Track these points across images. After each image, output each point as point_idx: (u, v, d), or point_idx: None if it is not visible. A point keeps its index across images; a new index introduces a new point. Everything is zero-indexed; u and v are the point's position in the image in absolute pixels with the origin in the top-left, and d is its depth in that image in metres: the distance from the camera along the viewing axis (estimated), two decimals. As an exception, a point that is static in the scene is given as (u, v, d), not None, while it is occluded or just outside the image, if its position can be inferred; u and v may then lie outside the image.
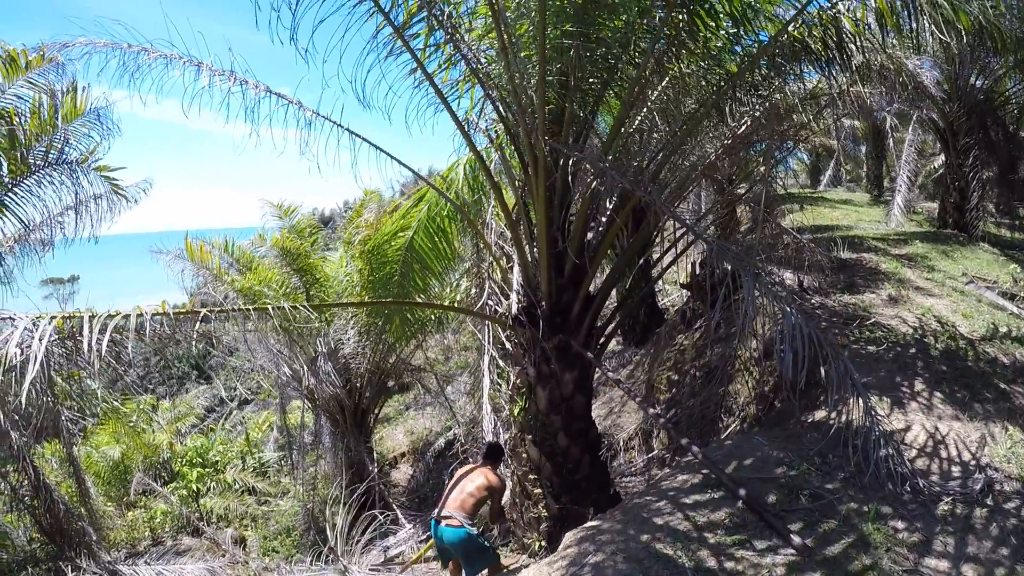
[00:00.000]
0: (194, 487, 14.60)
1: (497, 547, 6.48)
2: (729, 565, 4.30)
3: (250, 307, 5.62)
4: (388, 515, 11.39)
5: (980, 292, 10.58)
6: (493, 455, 6.21)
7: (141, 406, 18.89)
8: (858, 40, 6.37)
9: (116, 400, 14.79)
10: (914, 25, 5.76)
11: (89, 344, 4.38)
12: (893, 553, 4.34)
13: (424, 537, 10.44)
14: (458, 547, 5.69)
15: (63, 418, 9.32)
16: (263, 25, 5.21)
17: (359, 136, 6.50)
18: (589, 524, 5.23)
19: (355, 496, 13.12)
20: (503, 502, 6.26)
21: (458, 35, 6.13)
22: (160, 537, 13.11)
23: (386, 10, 5.64)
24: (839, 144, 25.16)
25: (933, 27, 6.15)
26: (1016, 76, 13.82)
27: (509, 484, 7.20)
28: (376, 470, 12.30)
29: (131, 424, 15.09)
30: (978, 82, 15.01)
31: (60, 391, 9.38)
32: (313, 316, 5.85)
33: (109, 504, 13.73)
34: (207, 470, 15.44)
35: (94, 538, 9.54)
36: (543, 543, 7.15)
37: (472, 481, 5.89)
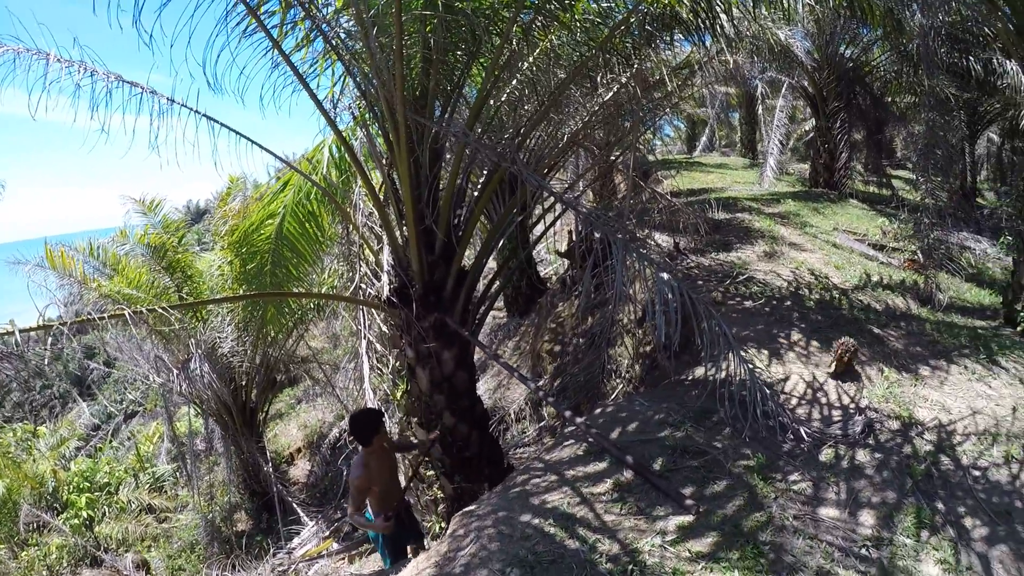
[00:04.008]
0: (86, 514, 13.69)
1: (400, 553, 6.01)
2: (620, 534, 4.25)
3: (105, 315, 5.19)
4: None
5: (851, 245, 11.16)
6: (358, 432, 5.39)
7: (19, 434, 17.63)
8: (730, 10, 6.47)
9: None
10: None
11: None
12: (784, 504, 4.42)
13: (328, 532, 10.22)
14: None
15: None
16: (100, 7, 4.76)
17: (217, 122, 6.10)
18: (469, 508, 5.11)
19: (254, 500, 12.79)
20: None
21: (315, 11, 5.81)
22: (59, 574, 12.27)
23: None
24: (713, 111, 26.03)
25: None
26: (883, 46, 14.61)
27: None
28: (272, 470, 11.89)
29: (10, 455, 13.96)
30: (847, 52, 15.86)
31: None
32: (173, 317, 5.44)
33: (1, 547, 12.72)
34: (97, 494, 14.50)
35: None
36: (443, 524, 7.06)
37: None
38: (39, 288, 10.86)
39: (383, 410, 6.66)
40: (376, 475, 5.41)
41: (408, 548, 6.03)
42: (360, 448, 5.50)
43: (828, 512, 4.37)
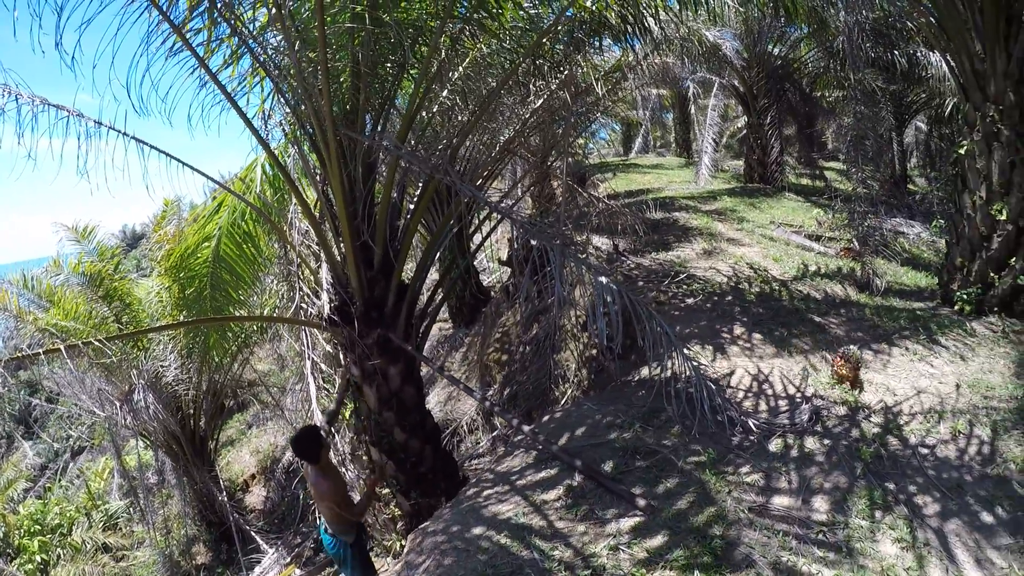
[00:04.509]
0: (39, 558, 13.15)
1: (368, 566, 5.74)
2: (573, 539, 4.26)
3: (40, 351, 5.00)
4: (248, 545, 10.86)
5: (787, 237, 11.42)
6: (303, 451, 5.13)
7: (-39, 480, 16.93)
8: (657, 14, 6.57)
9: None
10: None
11: None
12: (737, 497, 4.47)
13: (289, 559, 10.02)
14: (329, 551, 5.43)
15: None
16: (21, 30, 4.59)
17: (146, 143, 5.95)
18: (424, 525, 5.07)
19: (212, 531, 12.46)
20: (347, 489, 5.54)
21: (242, 27, 5.71)
22: (18, 624, 11.80)
23: (163, 7, 5.15)
24: (646, 113, 26.41)
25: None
26: (810, 43, 15.05)
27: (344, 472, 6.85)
28: (227, 499, 11.60)
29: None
30: (775, 50, 16.29)
31: None
32: (112, 348, 5.26)
33: None
34: (50, 536, 13.95)
35: None
36: (402, 542, 6.98)
37: (313, 490, 5.28)
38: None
39: (326, 427, 6.58)
40: (336, 482, 5.21)
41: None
42: (310, 467, 5.25)
43: (782, 501, 4.44)
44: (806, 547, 4.02)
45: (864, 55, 9.26)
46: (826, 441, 5.06)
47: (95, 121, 5.75)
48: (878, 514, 4.29)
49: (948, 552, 3.99)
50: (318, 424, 6.51)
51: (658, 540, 4.14)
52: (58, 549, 13.66)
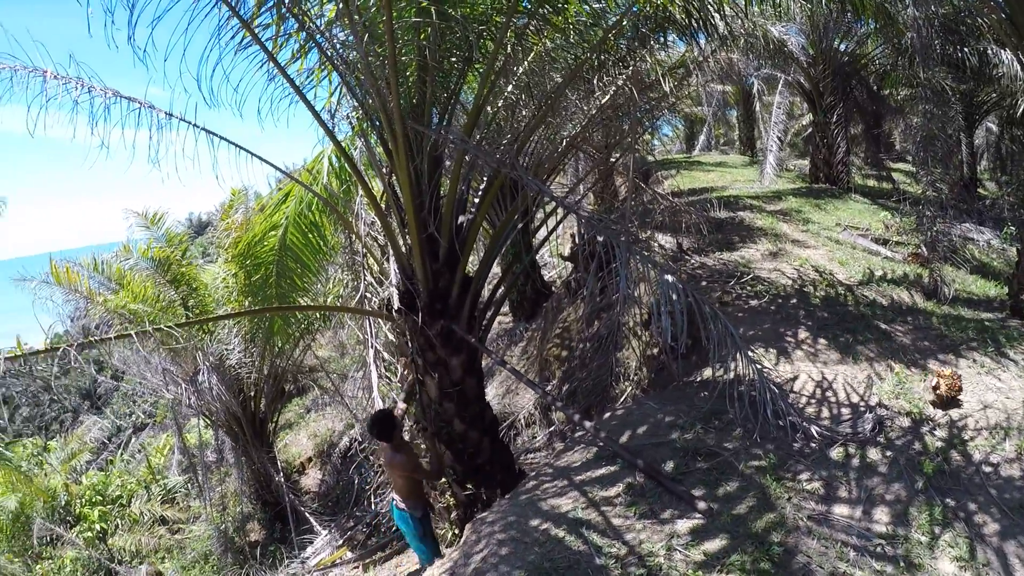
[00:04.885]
0: (99, 527, 13.72)
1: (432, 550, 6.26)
2: (630, 537, 4.24)
3: (111, 335, 5.22)
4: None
5: (854, 240, 11.13)
6: (380, 432, 5.82)
7: (29, 449, 17.69)
8: (722, 8, 6.47)
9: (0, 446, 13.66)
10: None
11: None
12: (797, 504, 4.39)
13: (341, 541, 10.24)
14: (399, 523, 6.14)
15: None
16: (96, 25, 4.78)
17: (215, 134, 6.11)
18: (482, 515, 5.12)
19: (267, 510, 12.81)
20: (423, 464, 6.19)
21: (309, 22, 5.82)
22: (73, 587, 12.32)
23: (232, 3, 5.29)
24: (710, 109, 26.00)
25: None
26: (878, 39, 14.59)
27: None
28: (283, 480, 11.89)
29: (21, 470, 13.99)
30: (842, 46, 15.85)
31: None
32: (178, 333, 5.44)
33: (15, 560, 12.76)
34: (110, 507, 14.54)
35: None
36: (456, 531, 7.06)
37: (388, 467, 6.01)
38: (45, 304, 10.94)
39: (402, 409, 6.76)
40: (412, 457, 5.91)
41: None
42: (385, 446, 5.95)
43: (841, 511, 4.35)
44: (864, 559, 3.93)
45: (934, 52, 8.91)
46: (888, 452, 4.91)
47: (166, 112, 5.92)
48: (937, 530, 4.17)
49: (1008, 573, 3.86)
50: (391, 408, 6.74)
51: (716, 543, 4.10)
52: (117, 519, 14.18)
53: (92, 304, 11.24)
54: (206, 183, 6.35)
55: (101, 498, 14.65)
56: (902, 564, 3.90)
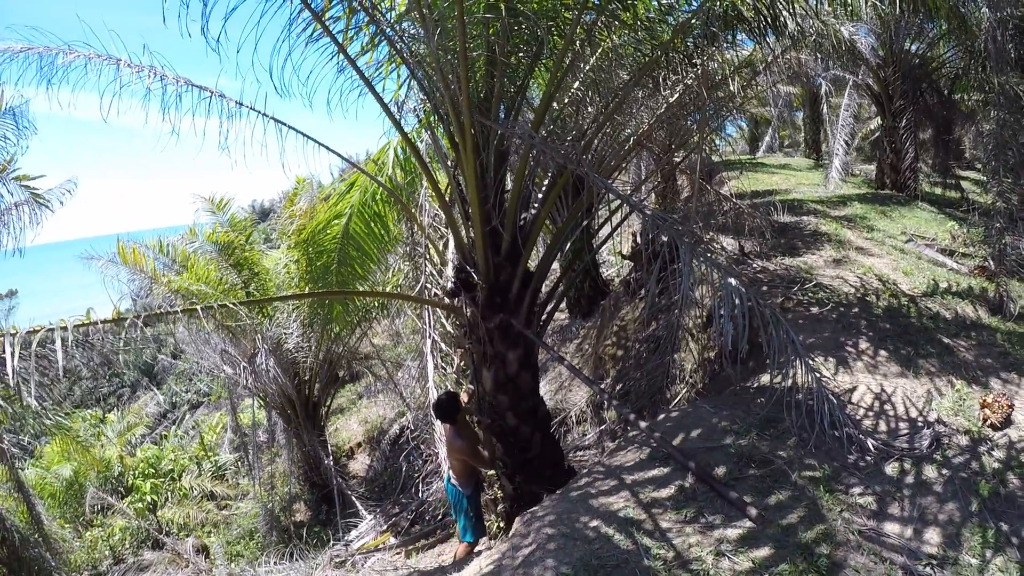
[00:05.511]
0: (149, 499, 14.21)
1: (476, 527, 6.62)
2: (679, 540, 4.21)
3: (178, 309, 5.38)
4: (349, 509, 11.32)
5: (919, 250, 10.80)
6: (444, 414, 6.31)
7: (88, 420, 18.36)
8: (791, 6, 6.35)
9: (60, 416, 14.22)
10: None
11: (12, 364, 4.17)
12: (848, 518, 4.31)
13: (386, 527, 10.39)
14: (449, 497, 6.65)
15: (3, 442, 8.93)
16: (171, 17, 4.93)
17: (284, 124, 6.27)
18: (533, 508, 5.14)
19: (314, 492, 13.07)
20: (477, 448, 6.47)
21: (379, 15, 5.91)
22: (121, 555, 12.75)
23: None
24: (776, 110, 25.51)
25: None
26: (950, 41, 14.10)
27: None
28: (332, 463, 12.13)
29: (79, 440, 14.58)
30: (913, 47, 15.35)
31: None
32: (243, 312, 5.60)
33: (66, 526, 13.28)
34: (161, 480, 15.04)
35: (53, 564, 9.24)
36: (501, 524, 7.11)
37: (448, 447, 6.45)
38: (111, 282, 11.36)
39: (469, 391, 7.00)
40: (470, 440, 6.35)
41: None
42: (447, 427, 6.43)
43: (892, 528, 4.25)
44: None
45: (1008, 56, 8.54)
46: (944, 471, 4.76)
47: (236, 101, 6.09)
48: (989, 554, 4.02)
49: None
50: (456, 392, 6.97)
51: (764, 551, 4.04)
52: (167, 492, 14.64)
53: (156, 284, 11.63)
54: (270, 171, 6.51)
55: (153, 471, 15.18)
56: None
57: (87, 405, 27.59)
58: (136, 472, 15.09)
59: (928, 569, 3.91)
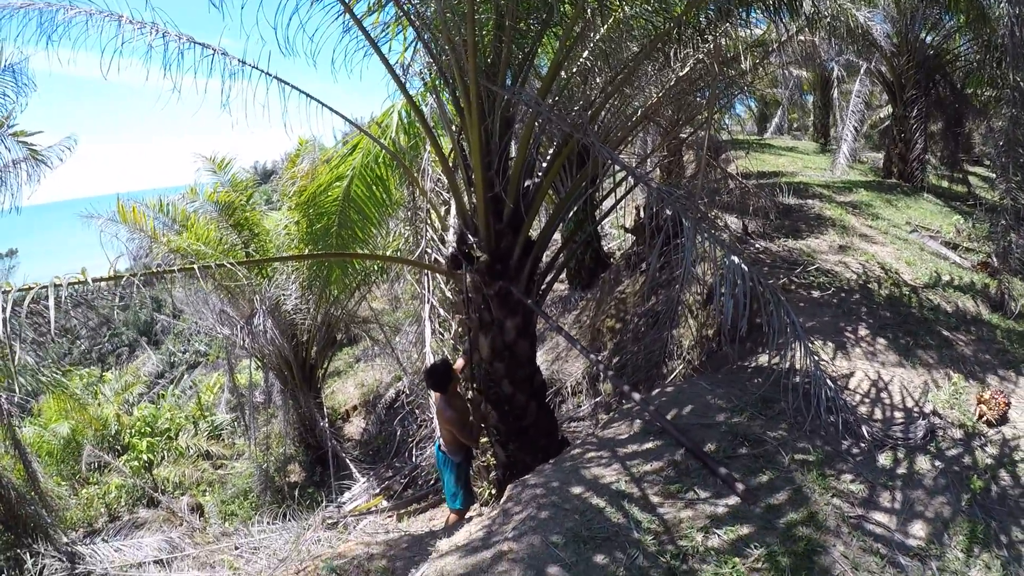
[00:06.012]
0: (145, 457, 14.30)
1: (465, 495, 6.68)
2: (669, 516, 4.20)
3: (175, 268, 5.36)
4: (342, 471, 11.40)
5: (923, 241, 10.74)
6: (436, 383, 6.35)
7: (84, 379, 18.43)
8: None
9: (57, 373, 14.25)
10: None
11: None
12: (834, 504, 4.29)
13: (378, 490, 10.47)
14: (439, 464, 6.72)
15: (2, 398, 8.97)
16: None
17: (287, 83, 6.19)
18: (526, 477, 5.15)
19: (309, 453, 13.16)
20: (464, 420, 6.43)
21: (386, -25, 5.83)
22: (116, 512, 12.86)
23: None
24: (786, 92, 25.32)
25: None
26: (966, 34, 13.92)
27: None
28: (327, 425, 12.20)
29: (76, 398, 14.65)
30: (928, 38, 15.15)
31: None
32: (241, 273, 5.57)
33: (62, 483, 13.39)
34: (157, 439, 15.13)
35: (49, 521, 9.32)
36: (493, 491, 7.14)
37: (438, 416, 6.56)
38: (111, 241, 11.31)
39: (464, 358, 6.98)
40: (459, 411, 6.32)
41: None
42: (439, 395, 6.43)
43: (880, 517, 4.22)
44: (894, 570, 3.81)
45: (1025, 53, 8.41)
46: (937, 463, 4.72)
47: (239, 60, 6.01)
48: (977, 549, 4.01)
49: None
50: (448, 360, 6.98)
51: (746, 530, 4.03)
52: (163, 451, 14.73)
53: (155, 243, 11.58)
54: (272, 131, 6.44)
55: (150, 430, 15.25)
56: (929, 579, 3.79)
57: (87, 364, 27.69)
58: (133, 431, 15.17)
59: (913, 561, 3.90)
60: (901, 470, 4.66)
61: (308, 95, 6.29)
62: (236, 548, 8.36)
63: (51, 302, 4.32)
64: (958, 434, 5.13)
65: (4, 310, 4.16)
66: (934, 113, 16.20)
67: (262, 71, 6.07)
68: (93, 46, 5.51)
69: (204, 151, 12.86)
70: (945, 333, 6.98)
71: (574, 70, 6.79)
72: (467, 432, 6.38)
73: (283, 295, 11.25)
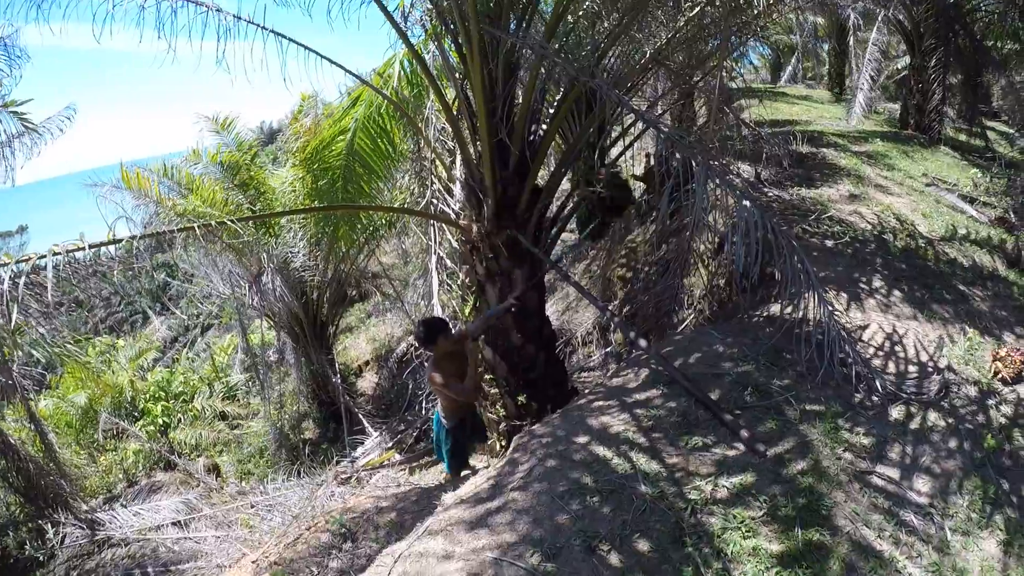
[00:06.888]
0: (161, 421, 14.45)
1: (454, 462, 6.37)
2: (674, 465, 4.16)
3: (175, 229, 5.32)
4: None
5: (940, 193, 10.52)
6: (420, 337, 5.70)
7: (99, 348, 18.57)
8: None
9: (70, 343, 14.32)
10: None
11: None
12: (843, 458, 4.24)
13: (391, 444, 10.55)
14: (434, 426, 6.31)
15: (14, 372, 9.01)
16: None
17: (285, 37, 6.04)
18: (533, 427, 5.12)
19: (322, 410, 13.26)
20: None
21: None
22: (134, 477, 13.02)
23: None
24: (800, 39, 24.74)
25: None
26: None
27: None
28: (340, 381, 12.25)
29: (90, 367, 14.73)
30: (948, -14, 14.64)
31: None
32: (241, 231, 5.47)
33: (81, 452, 13.55)
34: (172, 403, 15.27)
35: (68, 490, 9.44)
36: (503, 443, 7.14)
37: (428, 375, 5.92)
38: (116, 210, 11.21)
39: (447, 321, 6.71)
40: (448, 372, 5.62)
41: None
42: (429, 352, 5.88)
43: (889, 472, 4.17)
44: (896, 528, 3.77)
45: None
46: (950, 420, 4.66)
47: (234, 15, 5.86)
48: (988, 508, 3.97)
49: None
50: (441, 317, 6.74)
51: (749, 479, 4.00)
52: (179, 414, 14.87)
53: (162, 208, 11.48)
54: (274, 88, 6.32)
55: (164, 394, 15.38)
56: (938, 537, 3.75)
57: (101, 333, 27.89)
58: (147, 396, 15.31)
59: (919, 518, 3.85)
60: (914, 425, 4.60)
61: (307, 47, 6.14)
62: (252, 506, 8.48)
63: (49, 270, 4.31)
64: (972, 391, 5.05)
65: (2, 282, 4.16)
66: (953, 65, 15.74)
67: (258, 25, 5.94)
68: (85, 12, 5.38)
69: (206, 112, 12.72)
70: (961, 287, 6.88)
71: (580, 14, 6.60)
72: (453, 389, 5.68)
73: (291, 253, 11.19)
